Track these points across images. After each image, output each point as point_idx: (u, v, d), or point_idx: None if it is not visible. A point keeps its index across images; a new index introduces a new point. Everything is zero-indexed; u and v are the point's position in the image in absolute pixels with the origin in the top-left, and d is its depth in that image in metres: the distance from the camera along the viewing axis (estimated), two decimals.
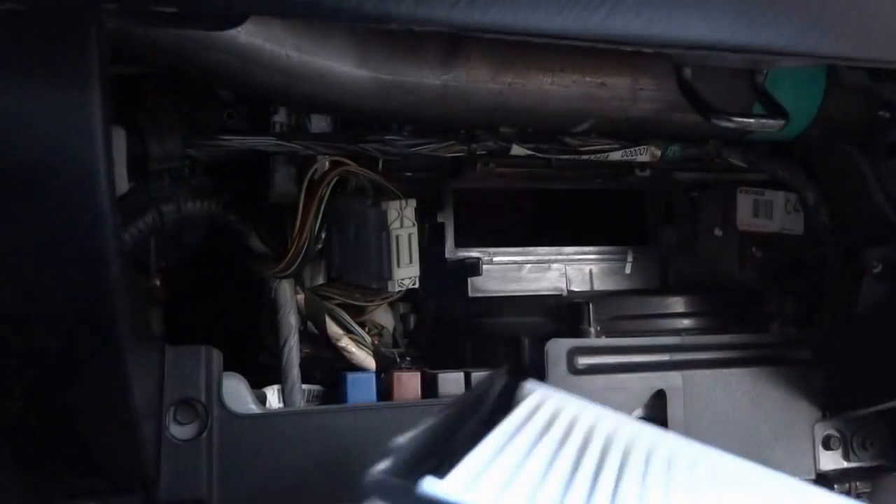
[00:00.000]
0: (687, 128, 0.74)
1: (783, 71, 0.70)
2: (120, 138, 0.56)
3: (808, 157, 0.83)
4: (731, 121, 0.64)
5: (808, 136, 0.75)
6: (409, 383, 0.73)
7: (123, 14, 0.44)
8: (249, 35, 0.56)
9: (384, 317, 0.80)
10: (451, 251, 0.75)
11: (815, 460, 0.82)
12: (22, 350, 0.50)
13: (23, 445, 0.57)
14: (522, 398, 0.52)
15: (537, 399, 0.51)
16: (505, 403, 0.51)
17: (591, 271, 0.81)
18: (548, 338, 0.76)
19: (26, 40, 0.42)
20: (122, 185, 0.56)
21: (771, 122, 0.65)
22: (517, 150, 0.72)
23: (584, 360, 0.74)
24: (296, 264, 0.69)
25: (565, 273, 0.77)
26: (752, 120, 0.66)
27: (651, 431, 0.46)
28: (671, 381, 0.76)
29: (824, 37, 0.51)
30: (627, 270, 0.85)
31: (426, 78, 0.63)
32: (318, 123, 0.69)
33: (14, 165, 0.43)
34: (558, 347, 0.75)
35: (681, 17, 0.49)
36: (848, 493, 0.83)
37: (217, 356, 0.66)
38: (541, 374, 0.74)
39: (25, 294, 0.48)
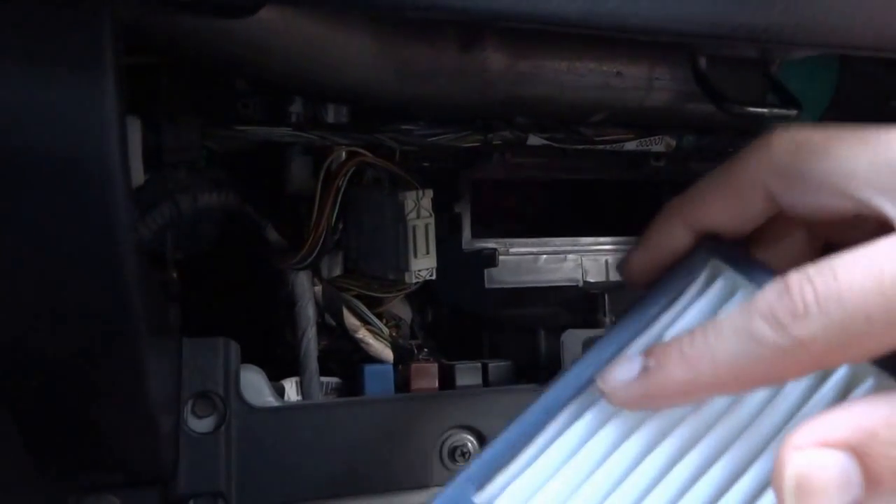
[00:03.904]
0: (702, 118, 0.74)
1: (796, 61, 0.70)
2: (135, 129, 0.55)
3: None
4: (744, 110, 0.64)
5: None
6: (426, 374, 0.73)
7: (137, 2, 0.44)
8: (265, 24, 0.56)
9: (401, 308, 0.80)
10: (468, 242, 0.74)
11: None
12: (38, 344, 0.50)
13: (40, 439, 0.56)
14: None
15: None
16: None
17: (606, 262, 0.80)
18: (564, 328, 0.76)
19: (40, 30, 0.42)
20: (138, 176, 0.55)
21: (784, 111, 0.66)
22: (533, 140, 0.71)
23: None
24: (313, 255, 0.69)
25: (581, 264, 0.76)
26: (765, 110, 0.66)
27: None
28: None
29: (837, 27, 0.51)
30: None
31: (443, 67, 0.63)
32: (335, 113, 0.68)
33: (29, 157, 0.43)
34: (574, 338, 0.75)
35: (696, 5, 0.49)
36: None
37: (235, 348, 0.66)
38: (557, 365, 0.75)
39: (41, 288, 0.47)
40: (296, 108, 0.66)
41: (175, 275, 0.68)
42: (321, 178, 0.68)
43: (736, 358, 0.38)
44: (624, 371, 0.41)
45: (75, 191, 0.44)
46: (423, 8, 0.45)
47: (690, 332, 0.40)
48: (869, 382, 0.41)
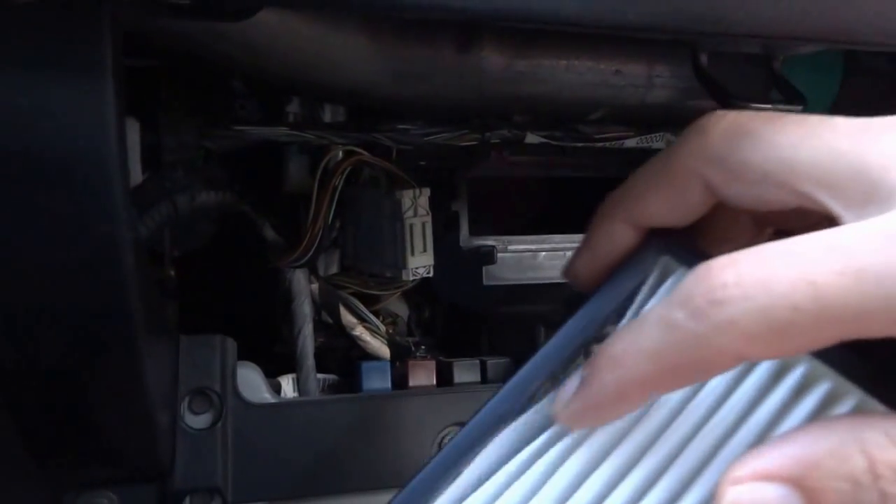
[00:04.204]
0: (703, 114, 0.73)
1: (800, 56, 0.69)
2: (134, 130, 0.56)
3: None
4: (747, 106, 0.63)
5: None
6: (423, 371, 0.73)
7: (136, 6, 0.45)
8: (262, 26, 0.56)
9: (398, 306, 0.80)
10: (466, 240, 0.74)
11: None
12: (38, 341, 0.50)
13: (38, 435, 0.57)
14: None
15: None
16: None
17: None
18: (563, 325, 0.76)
19: (41, 34, 0.42)
20: (137, 176, 0.56)
21: (788, 107, 0.65)
22: (531, 138, 0.71)
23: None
24: (310, 253, 0.69)
25: None
26: (769, 105, 0.64)
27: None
28: None
29: (841, 21, 0.51)
30: None
31: (440, 66, 0.63)
32: (332, 113, 0.69)
33: (30, 158, 0.44)
34: None
35: (695, 2, 0.48)
36: None
37: (231, 345, 0.66)
38: None
39: (41, 285, 0.48)
40: (293, 108, 0.67)
41: (172, 272, 0.69)
42: (318, 177, 0.69)
43: (657, 349, 0.36)
44: (566, 390, 0.39)
45: (74, 190, 0.45)
46: (421, 8, 0.45)
47: (619, 331, 0.38)
48: (825, 385, 0.39)
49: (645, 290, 0.44)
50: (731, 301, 0.33)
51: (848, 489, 0.33)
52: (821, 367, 0.39)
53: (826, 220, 0.38)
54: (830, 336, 0.34)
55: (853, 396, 0.39)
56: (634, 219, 0.43)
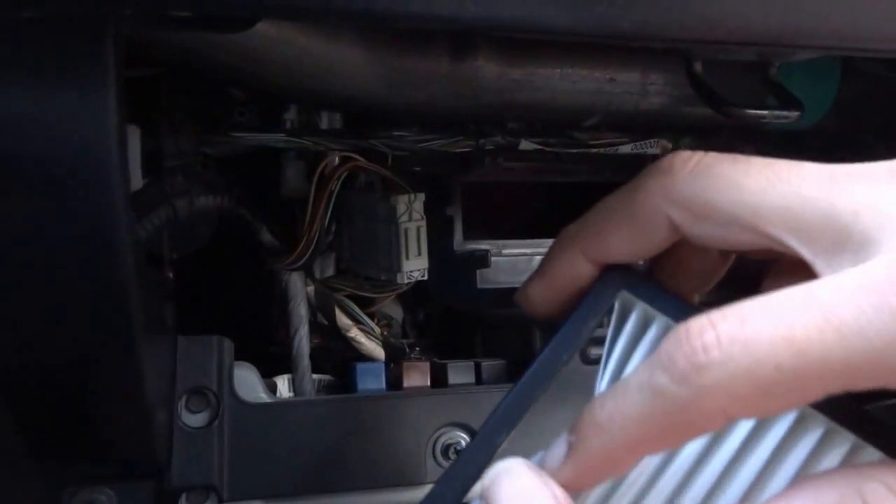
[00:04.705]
0: (698, 120, 0.74)
1: (797, 63, 0.68)
2: (135, 136, 0.57)
3: (825, 149, 0.81)
4: (743, 113, 0.63)
5: (825, 126, 0.74)
6: (418, 373, 0.74)
7: (139, 19, 0.45)
8: (261, 36, 0.57)
9: (393, 308, 0.81)
10: (460, 244, 0.75)
11: None
12: (39, 340, 0.51)
13: (38, 432, 0.57)
14: None
15: None
16: None
17: None
18: (557, 328, 0.76)
19: (46, 45, 0.43)
20: (137, 181, 0.57)
21: (786, 113, 0.64)
22: (525, 144, 0.72)
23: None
24: (306, 257, 0.70)
25: None
26: (766, 112, 0.64)
27: None
28: None
29: (837, 28, 0.50)
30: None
31: (435, 74, 0.64)
32: (329, 120, 0.69)
33: (34, 163, 0.44)
34: None
35: (691, 10, 0.48)
36: None
37: (228, 346, 0.67)
38: None
39: (43, 286, 0.48)
40: (290, 115, 0.68)
41: (171, 274, 0.70)
42: (315, 182, 0.70)
43: (643, 415, 0.35)
44: (554, 454, 0.39)
45: (77, 194, 0.45)
46: (416, 19, 0.45)
47: (601, 396, 0.37)
48: (817, 431, 0.39)
49: (610, 330, 0.44)
50: (714, 365, 0.33)
51: None
52: (811, 412, 0.39)
53: (795, 263, 0.38)
54: (816, 392, 0.34)
55: (846, 441, 0.39)
56: (593, 254, 0.43)
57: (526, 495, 0.37)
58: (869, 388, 0.33)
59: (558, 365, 0.43)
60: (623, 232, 0.42)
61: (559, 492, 0.37)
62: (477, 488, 0.40)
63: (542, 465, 0.39)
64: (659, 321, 0.42)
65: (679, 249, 0.43)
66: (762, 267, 0.42)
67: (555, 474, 0.38)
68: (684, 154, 0.41)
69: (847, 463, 0.39)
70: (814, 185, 0.37)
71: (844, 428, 0.39)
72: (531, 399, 0.42)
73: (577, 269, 0.44)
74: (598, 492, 0.41)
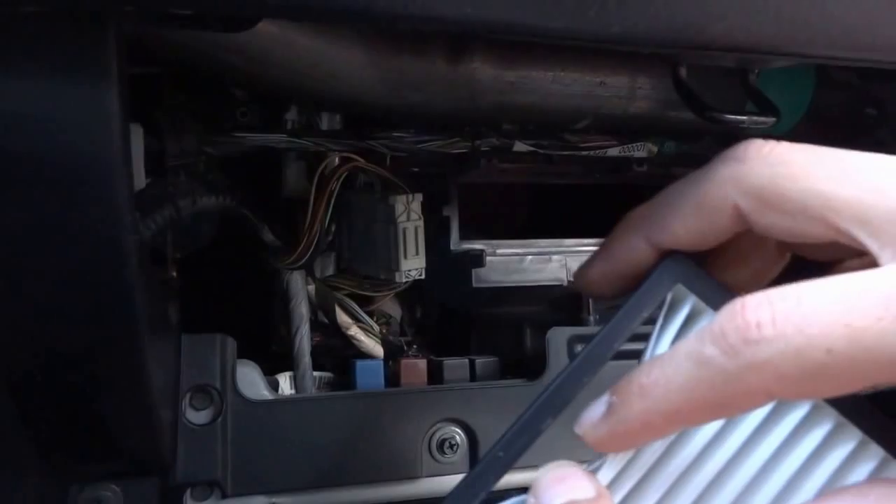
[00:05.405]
0: (683, 125, 0.75)
1: (774, 70, 0.71)
2: (138, 136, 0.57)
3: None
4: (723, 118, 0.64)
5: (799, 132, 0.75)
6: (415, 370, 0.75)
7: (141, 17, 0.45)
8: (262, 36, 0.58)
9: (392, 306, 0.81)
10: (456, 243, 0.75)
11: None
12: (45, 340, 0.51)
13: (45, 430, 0.58)
14: None
15: None
16: None
17: None
18: (549, 326, 0.77)
19: (48, 42, 0.43)
20: (140, 180, 0.57)
21: (763, 118, 0.65)
22: (519, 146, 0.72)
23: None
24: (307, 256, 0.71)
25: (566, 264, 0.77)
26: (744, 117, 0.65)
27: None
28: None
29: (814, 38, 0.51)
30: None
31: (432, 77, 0.65)
32: (329, 121, 0.70)
33: (38, 162, 0.44)
34: (559, 335, 0.76)
35: (678, 16, 0.49)
36: None
37: (231, 344, 0.68)
38: (542, 361, 0.76)
39: (49, 285, 0.49)
40: (291, 115, 0.69)
41: (175, 273, 0.70)
42: (315, 182, 0.70)
43: (688, 384, 0.35)
44: (592, 412, 0.39)
45: (81, 194, 0.46)
46: (414, 21, 0.45)
47: (649, 362, 0.37)
48: (827, 425, 0.39)
49: (660, 320, 0.44)
50: (766, 341, 0.33)
51: None
52: (822, 405, 0.39)
53: (857, 255, 0.38)
54: (864, 380, 0.33)
55: (853, 437, 0.39)
56: (656, 239, 0.42)
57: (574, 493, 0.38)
58: None
59: (608, 354, 0.42)
60: (689, 219, 0.41)
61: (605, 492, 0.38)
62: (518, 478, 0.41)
63: (578, 423, 0.40)
64: (709, 316, 0.42)
65: (739, 241, 0.42)
66: (818, 271, 0.42)
67: (588, 433, 0.39)
68: (758, 142, 0.40)
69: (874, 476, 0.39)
70: (886, 177, 0.36)
71: (851, 422, 0.39)
72: (579, 386, 0.41)
73: (639, 253, 0.43)
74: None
